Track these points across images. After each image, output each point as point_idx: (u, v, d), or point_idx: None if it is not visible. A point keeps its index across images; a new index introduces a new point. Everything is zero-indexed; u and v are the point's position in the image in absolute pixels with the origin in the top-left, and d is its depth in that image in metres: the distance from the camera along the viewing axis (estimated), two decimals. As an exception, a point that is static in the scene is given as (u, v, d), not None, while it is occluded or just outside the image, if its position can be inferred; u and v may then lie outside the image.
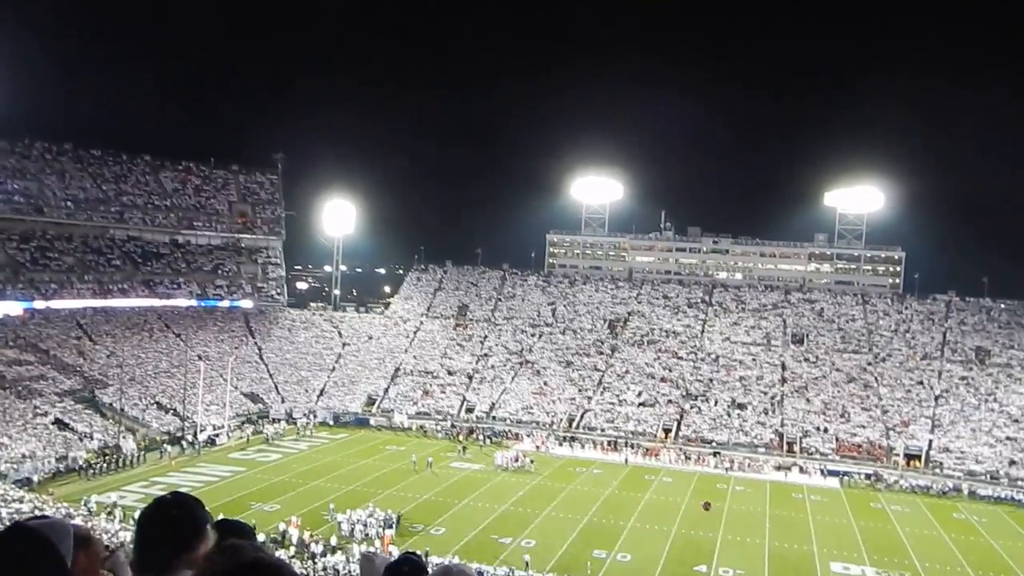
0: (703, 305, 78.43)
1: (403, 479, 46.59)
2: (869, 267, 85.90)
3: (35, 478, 42.95)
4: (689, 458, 55.54)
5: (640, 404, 63.75)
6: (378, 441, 58.00)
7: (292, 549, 32.42)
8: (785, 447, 57.55)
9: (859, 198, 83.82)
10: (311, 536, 33.93)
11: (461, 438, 59.00)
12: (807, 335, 72.38)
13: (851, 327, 72.87)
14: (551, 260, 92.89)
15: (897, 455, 55.73)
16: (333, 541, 33.91)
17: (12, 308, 60.55)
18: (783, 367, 67.96)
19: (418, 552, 2.78)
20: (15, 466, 43.30)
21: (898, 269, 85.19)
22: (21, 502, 34.05)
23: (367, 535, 35.25)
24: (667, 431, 60.17)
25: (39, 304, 62.60)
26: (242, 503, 38.77)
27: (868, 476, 53.09)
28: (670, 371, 68.19)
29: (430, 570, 2.55)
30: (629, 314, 78.23)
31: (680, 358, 70.16)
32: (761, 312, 76.26)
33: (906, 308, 74.74)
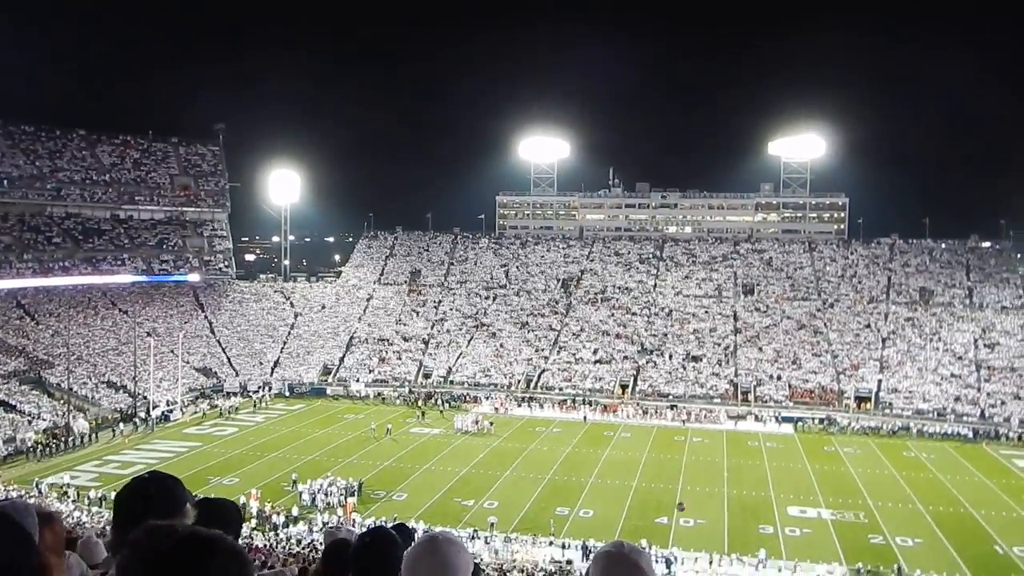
0: (654, 260, 79.01)
1: (363, 447, 46.38)
2: (815, 215, 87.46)
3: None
4: (647, 412, 56.28)
5: (596, 361, 64.27)
6: (336, 410, 57.58)
7: (253, 522, 32.09)
8: (740, 397, 58.68)
9: (802, 146, 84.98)
10: (272, 508, 33.62)
11: (419, 404, 58.88)
12: (757, 285, 73.52)
13: (799, 275, 74.20)
14: (502, 222, 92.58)
15: (848, 399, 57.22)
16: (295, 512, 33.68)
17: (-53, 291, 58.41)
18: (735, 318, 69.02)
19: (403, 523, 2.78)
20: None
21: (843, 215, 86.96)
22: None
23: (329, 504, 35.06)
24: (624, 387, 60.83)
25: (-21, 282, 60.45)
26: (199, 478, 38.18)
27: (821, 421, 54.44)
28: (624, 327, 68.76)
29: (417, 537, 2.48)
30: (582, 272, 78.51)
31: (634, 314, 70.77)
32: (712, 264, 77.16)
33: (852, 253, 76.31)
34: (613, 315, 70.98)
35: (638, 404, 57.77)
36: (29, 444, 45.25)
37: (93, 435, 48.52)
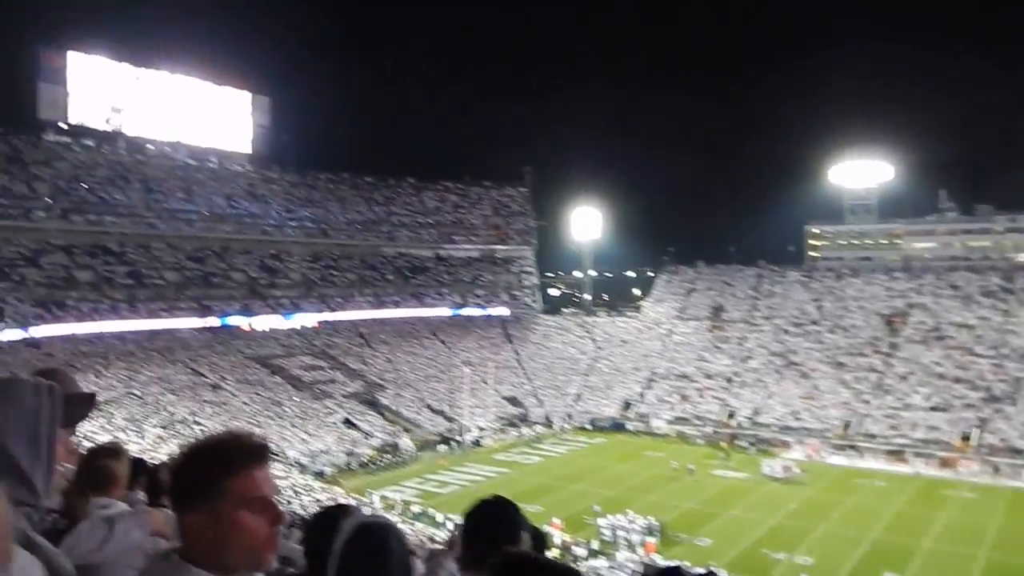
0: (1002, 293, 68.24)
1: (663, 486, 44.85)
2: None
3: (327, 471, 47.20)
4: (997, 471, 48.15)
5: (930, 408, 56.60)
6: (636, 446, 56.69)
7: (556, 551, 32.00)
8: (1121, 458, 48.15)
9: None
10: (573, 539, 33.44)
11: (723, 444, 55.94)
12: None
13: None
14: (812, 253, 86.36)
15: None
16: (595, 545, 33.17)
17: (307, 320, 67.76)
18: (1112, 363, 57.21)
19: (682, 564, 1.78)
20: (312, 459, 47.81)
21: None
22: (318, 492, 37.28)
23: (629, 542, 34.00)
24: (965, 439, 52.74)
25: (328, 316, 69.46)
26: (505, 506, 39.19)
27: None
28: (965, 370, 59.92)
29: None
30: (909, 307, 70.16)
31: (977, 355, 61.44)
32: (1078, 299, 64.99)
33: None
34: (950, 356, 62.27)
35: (985, 460, 49.68)
36: (364, 459, 50.25)
37: (416, 454, 52.79)
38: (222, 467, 1.68)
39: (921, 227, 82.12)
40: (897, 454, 51.82)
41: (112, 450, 3.57)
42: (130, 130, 67.92)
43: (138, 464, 4.46)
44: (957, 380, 58.98)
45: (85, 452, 3.60)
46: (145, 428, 44.33)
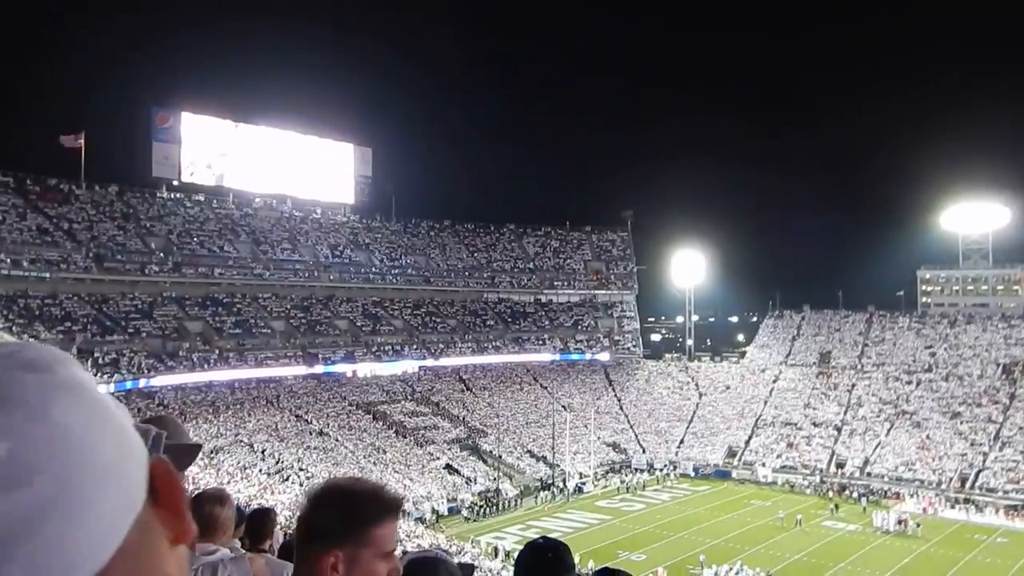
0: None
1: (770, 536, 44.65)
2: None
3: (429, 517, 48.25)
4: None
5: (1052, 462, 54.29)
6: (741, 495, 56.32)
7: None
8: None
9: None
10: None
11: (832, 495, 55.01)
12: None
13: None
14: (924, 299, 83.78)
15: None
16: (702, 597, 33.58)
17: (410, 366, 69.85)
18: None
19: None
20: (416, 505, 49.27)
21: None
22: (421, 537, 38.78)
23: (737, 594, 34.32)
24: (1092, 495, 50.39)
25: (429, 362, 71.39)
26: (610, 551, 39.99)
27: None
28: (1091, 423, 57.28)
29: None
30: (1029, 356, 67.46)
31: (1103, 407, 58.67)
32: None
33: None
34: (1073, 407, 59.60)
35: (1114, 518, 47.36)
36: (467, 504, 51.38)
37: (518, 501, 53.65)
38: (373, 513, 1.72)
39: (1040, 272, 78.84)
40: (1018, 510, 49.88)
41: (217, 496, 3.56)
42: (238, 185, 71.60)
43: (240, 511, 4.56)
44: (1084, 433, 56.38)
45: (191, 498, 3.58)
46: (252, 474, 46.08)
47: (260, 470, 47.99)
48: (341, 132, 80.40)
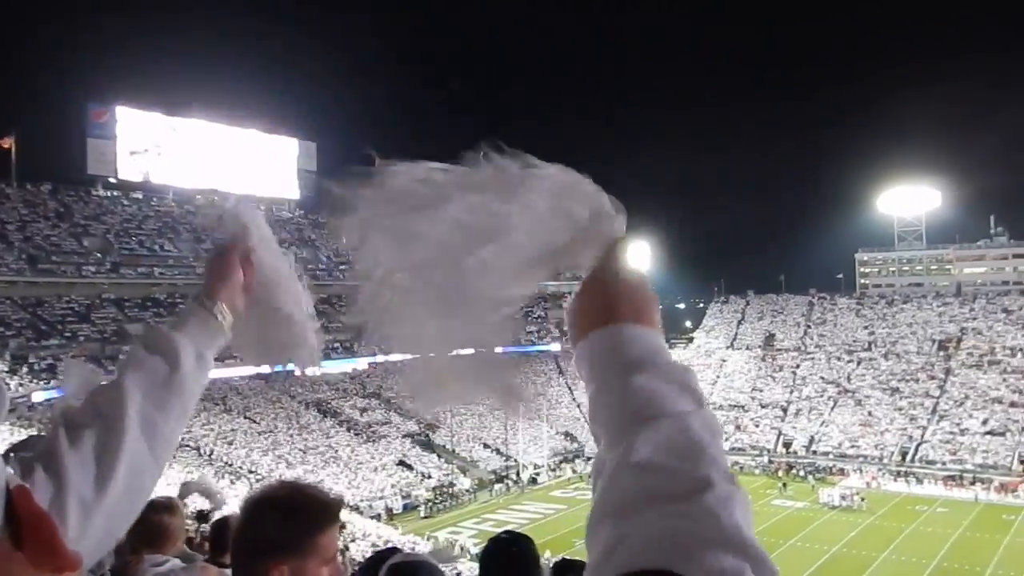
0: (1056, 316, 67.94)
1: (723, 517, 45.46)
2: None
3: (383, 514, 47.73)
4: (1057, 494, 47.97)
5: (987, 433, 56.47)
6: (693, 478, 57.15)
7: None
8: None
9: None
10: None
11: (780, 474, 56.37)
12: None
13: None
14: (863, 280, 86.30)
15: None
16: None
17: (360, 363, 69.39)
18: None
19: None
20: (370, 503, 48.90)
21: None
22: (374, 536, 38.43)
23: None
24: (1023, 462, 52.60)
25: (380, 358, 70.90)
26: (566, 540, 40.19)
27: None
28: (1021, 394, 59.69)
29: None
30: (962, 332, 70.04)
31: (1032, 379, 61.23)
32: None
33: None
34: (1005, 380, 62.03)
35: (1045, 484, 49.48)
36: (421, 501, 50.87)
37: (473, 494, 53.64)
38: (315, 523, 1.68)
39: (971, 252, 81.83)
40: (956, 480, 51.81)
41: (166, 505, 3.43)
42: (177, 181, 69.82)
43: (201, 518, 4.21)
44: (1013, 404, 58.75)
45: None
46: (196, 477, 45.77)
47: (209, 474, 47.11)
48: (285, 127, 79.34)
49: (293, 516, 1.68)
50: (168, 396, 1.43)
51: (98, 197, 66.17)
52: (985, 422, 57.52)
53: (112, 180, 66.91)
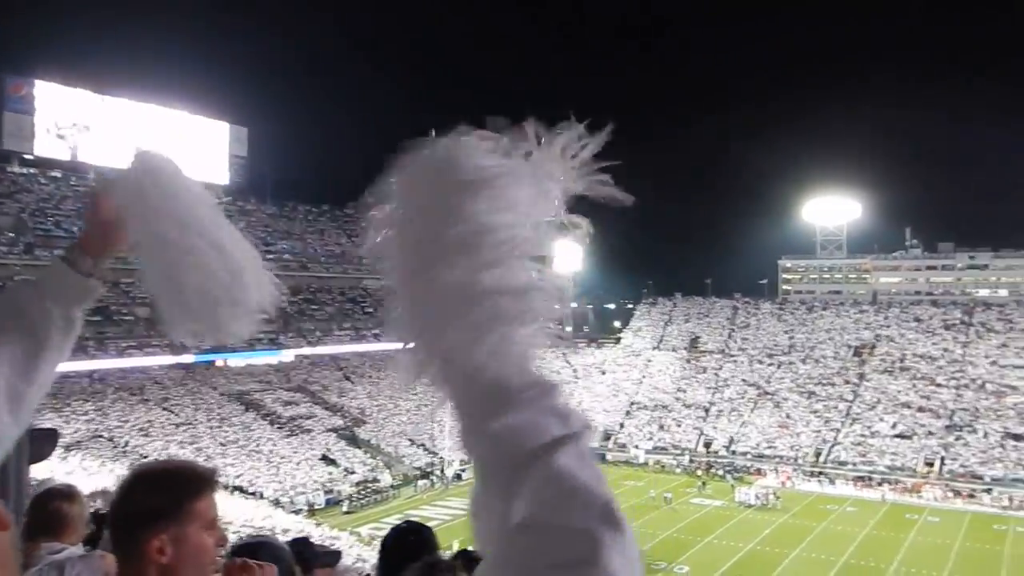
0: (962, 326, 71.23)
1: (642, 515, 46.29)
2: None
3: (306, 509, 47.03)
4: (958, 495, 50.34)
5: (896, 436, 58.89)
6: (615, 476, 58.00)
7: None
8: (1079, 484, 50.47)
9: None
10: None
11: (700, 473, 57.69)
12: (1095, 355, 63.37)
13: None
14: (785, 287, 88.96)
15: None
16: None
17: (286, 355, 68.07)
18: (1069, 392, 59.89)
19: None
20: (292, 498, 48.14)
21: None
22: (291, 532, 37.92)
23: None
24: (929, 465, 54.99)
25: (307, 350, 69.81)
26: (490, 535, 40.39)
27: None
28: (928, 399, 62.43)
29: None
30: (876, 339, 72.85)
31: (939, 385, 64.05)
32: (1037, 332, 67.90)
33: None
34: (914, 386, 64.79)
35: (947, 485, 51.87)
36: (344, 495, 50.51)
37: (397, 490, 53.32)
38: (189, 489, 1.69)
39: (887, 263, 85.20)
40: (865, 480, 53.88)
41: (66, 492, 3.36)
42: (100, 160, 66.29)
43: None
44: (921, 409, 61.43)
45: (37, 495, 3.45)
46: (115, 471, 44.18)
47: (124, 466, 45.67)
48: (215, 110, 77.25)
49: (168, 483, 1.70)
50: (33, 365, 1.45)
51: (13, 174, 63.31)
52: (894, 425, 59.97)
53: (29, 157, 64.17)
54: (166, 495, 1.67)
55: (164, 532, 1.63)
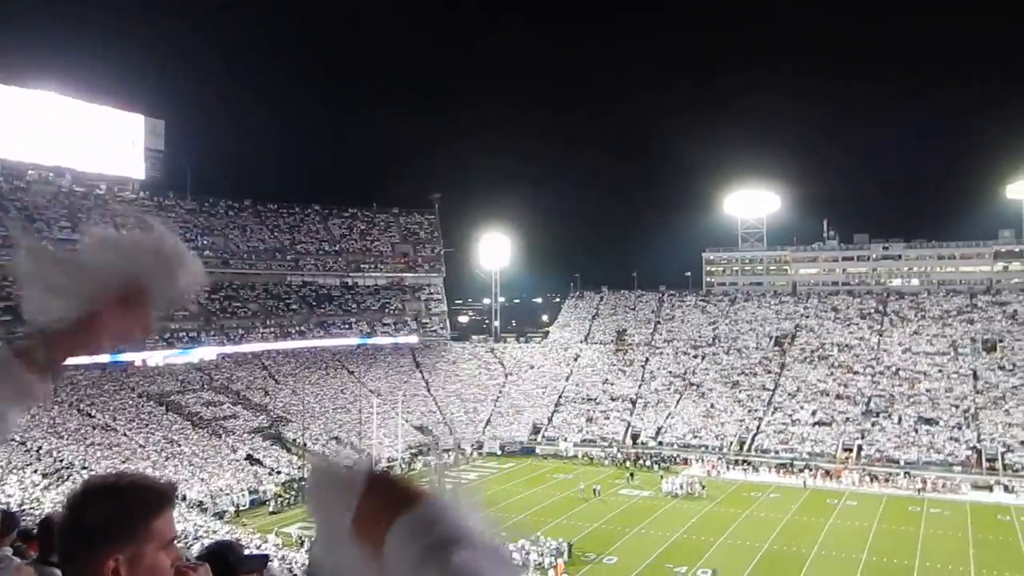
0: (877, 315, 73.84)
1: (572, 507, 46.48)
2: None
3: (230, 511, 46.01)
4: (875, 479, 52.08)
5: (815, 423, 60.60)
6: (545, 470, 58.23)
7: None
8: (985, 464, 52.81)
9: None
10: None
11: (628, 465, 58.24)
12: (1000, 341, 66.43)
13: (1053, 330, 66.23)
14: (709, 279, 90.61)
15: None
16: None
17: (207, 353, 66.08)
18: (975, 377, 62.63)
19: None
20: (215, 500, 46.69)
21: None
22: (218, 534, 36.75)
23: (540, 564, 35.34)
24: (848, 451, 56.77)
25: (229, 348, 67.91)
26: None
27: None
28: (846, 387, 64.47)
29: None
30: (796, 329, 74.87)
31: (856, 373, 66.23)
32: (944, 319, 70.82)
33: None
34: (832, 374, 66.83)
35: (864, 470, 53.61)
36: (270, 496, 49.32)
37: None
38: (147, 507, 1.57)
39: (806, 254, 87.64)
40: (787, 467, 55.24)
41: None
42: (7, 154, 64.41)
43: (9, 518, 4.13)
44: (839, 396, 63.38)
45: None
46: (25, 476, 42.26)
47: (35, 471, 43.70)
48: (130, 102, 74.13)
49: (124, 500, 1.56)
50: None
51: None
52: (814, 413, 61.70)
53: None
54: (123, 512, 1.55)
55: (120, 552, 1.52)
